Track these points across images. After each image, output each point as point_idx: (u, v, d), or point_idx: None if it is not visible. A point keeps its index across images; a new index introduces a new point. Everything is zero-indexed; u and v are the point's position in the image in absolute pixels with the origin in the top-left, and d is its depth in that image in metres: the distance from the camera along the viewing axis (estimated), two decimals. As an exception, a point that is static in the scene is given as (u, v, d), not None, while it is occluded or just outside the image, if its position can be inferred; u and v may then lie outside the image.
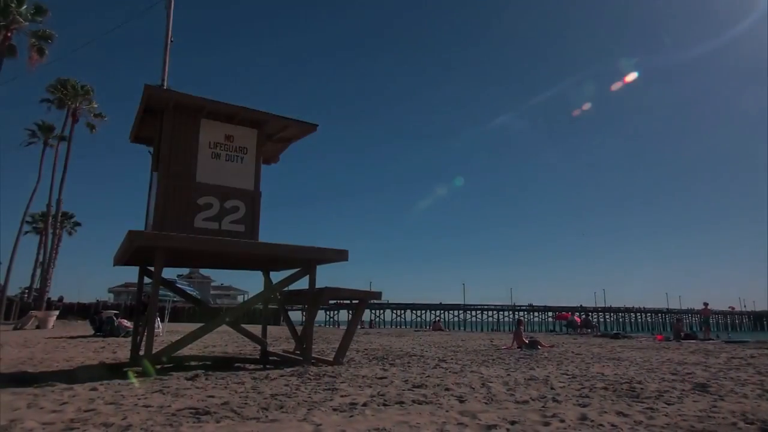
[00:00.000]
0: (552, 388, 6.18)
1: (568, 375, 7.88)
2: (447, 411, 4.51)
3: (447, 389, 5.96)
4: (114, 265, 10.60)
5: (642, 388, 6.19)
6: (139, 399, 4.98)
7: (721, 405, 4.98)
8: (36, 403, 4.73)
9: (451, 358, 11.49)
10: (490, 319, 73.39)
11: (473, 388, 6.07)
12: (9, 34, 30.59)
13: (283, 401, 4.86)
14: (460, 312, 73.35)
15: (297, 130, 10.75)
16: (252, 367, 9.18)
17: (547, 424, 3.98)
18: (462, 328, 65.06)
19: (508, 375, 7.73)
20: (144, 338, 11.07)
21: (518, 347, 16.33)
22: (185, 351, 12.05)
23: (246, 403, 4.72)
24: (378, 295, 10.28)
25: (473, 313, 74.35)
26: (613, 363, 10.41)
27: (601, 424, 3.96)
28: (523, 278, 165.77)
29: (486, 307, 74.40)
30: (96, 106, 40.78)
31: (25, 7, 31.58)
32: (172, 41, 10.83)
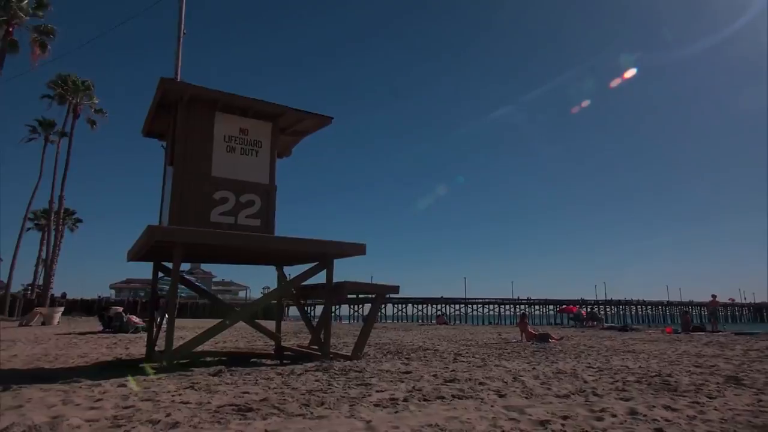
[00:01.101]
0: (585, 382, 6.12)
1: (593, 368, 7.82)
2: (491, 406, 4.43)
3: (481, 383, 5.89)
4: (128, 260, 10.50)
5: (676, 382, 6.12)
6: (173, 395, 4.89)
7: (766, 399, 4.91)
8: (70, 400, 4.65)
9: (467, 352, 11.44)
10: (492, 312, 73.41)
11: (506, 383, 6.00)
12: (10, 29, 30.32)
13: (321, 397, 4.78)
14: (462, 306, 73.37)
15: (312, 123, 10.62)
16: (270, 362, 9.11)
17: (599, 419, 3.90)
18: (464, 321, 65.10)
19: (534, 369, 7.66)
20: (158, 334, 11.17)
21: (528, 340, 16.31)
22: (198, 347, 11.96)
23: (285, 400, 4.64)
24: (396, 289, 10.19)
25: (474, 306, 74.38)
26: (632, 356, 10.37)
27: (655, 419, 3.88)
28: (524, 272, 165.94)
29: (488, 300, 74.42)
30: (97, 101, 40.54)
31: (26, 1, 31.27)
32: (184, 33, 10.70)
